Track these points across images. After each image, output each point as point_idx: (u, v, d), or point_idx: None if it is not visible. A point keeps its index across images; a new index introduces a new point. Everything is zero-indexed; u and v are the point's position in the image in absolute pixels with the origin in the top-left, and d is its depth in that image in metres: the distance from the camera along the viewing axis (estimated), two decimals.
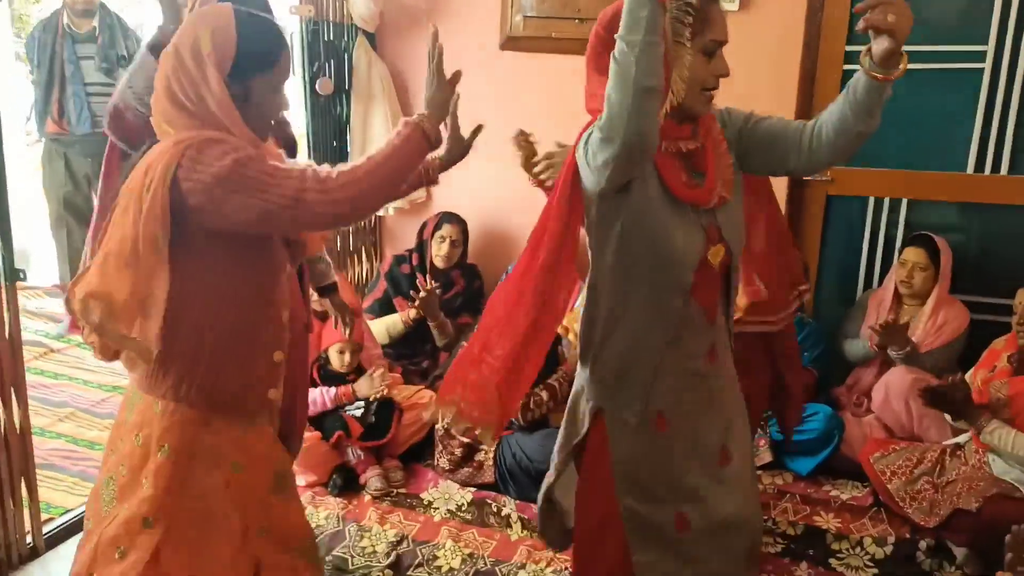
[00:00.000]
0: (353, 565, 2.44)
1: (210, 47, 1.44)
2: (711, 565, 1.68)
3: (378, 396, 2.94)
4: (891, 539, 2.59)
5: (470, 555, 2.48)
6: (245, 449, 1.56)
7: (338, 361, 2.97)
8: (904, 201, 3.35)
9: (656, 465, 1.65)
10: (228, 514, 1.52)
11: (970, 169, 3.22)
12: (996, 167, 3.19)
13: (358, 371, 3.01)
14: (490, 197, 3.80)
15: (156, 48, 1.81)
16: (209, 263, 1.49)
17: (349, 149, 3.79)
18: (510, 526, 2.63)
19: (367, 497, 2.80)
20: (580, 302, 1.78)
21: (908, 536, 2.60)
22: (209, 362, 1.51)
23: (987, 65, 3.12)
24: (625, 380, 1.62)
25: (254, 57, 1.48)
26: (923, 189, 3.30)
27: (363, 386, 2.95)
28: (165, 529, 1.49)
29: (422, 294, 3.27)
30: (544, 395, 2.85)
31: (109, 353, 1.50)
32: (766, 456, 3.01)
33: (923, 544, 2.55)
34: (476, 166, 3.72)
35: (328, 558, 2.46)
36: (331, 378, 2.99)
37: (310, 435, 2.87)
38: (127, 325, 1.41)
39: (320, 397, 2.92)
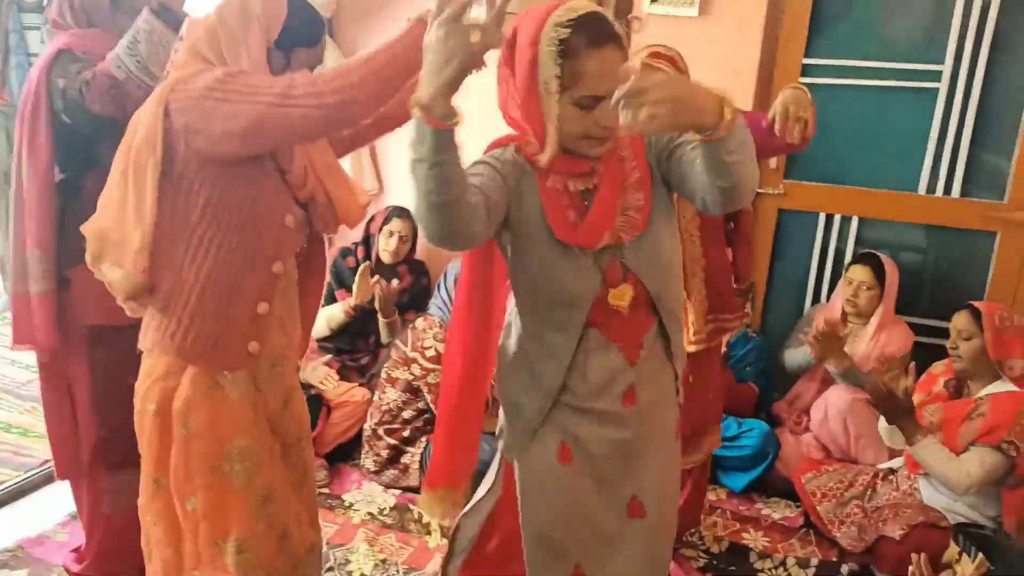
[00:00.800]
0: None
1: (260, 9, 1.45)
2: None
3: (307, 387, 2.86)
4: (814, 561, 2.56)
5: (383, 561, 2.42)
6: (203, 411, 1.52)
7: None
8: (855, 218, 3.32)
9: (561, 497, 1.54)
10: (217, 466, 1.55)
11: (922, 190, 3.20)
12: (948, 189, 3.16)
13: None
14: None
15: (165, 15, 1.72)
16: (197, 202, 1.46)
17: None
18: (429, 533, 2.56)
19: None
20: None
21: (834, 560, 2.57)
22: (189, 306, 1.48)
23: (943, 85, 3.09)
24: (521, 408, 1.54)
25: (303, 30, 1.51)
26: (874, 207, 3.27)
27: (310, 375, 2.88)
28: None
29: (381, 289, 3.20)
30: None
31: (121, 297, 1.52)
32: None
33: (845, 569, 2.52)
34: None
35: None
36: None
37: None
38: (116, 257, 1.45)
39: None
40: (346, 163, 3.67)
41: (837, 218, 3.34)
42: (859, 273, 3.08)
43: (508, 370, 1.56)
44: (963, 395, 2.60)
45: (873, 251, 3.12)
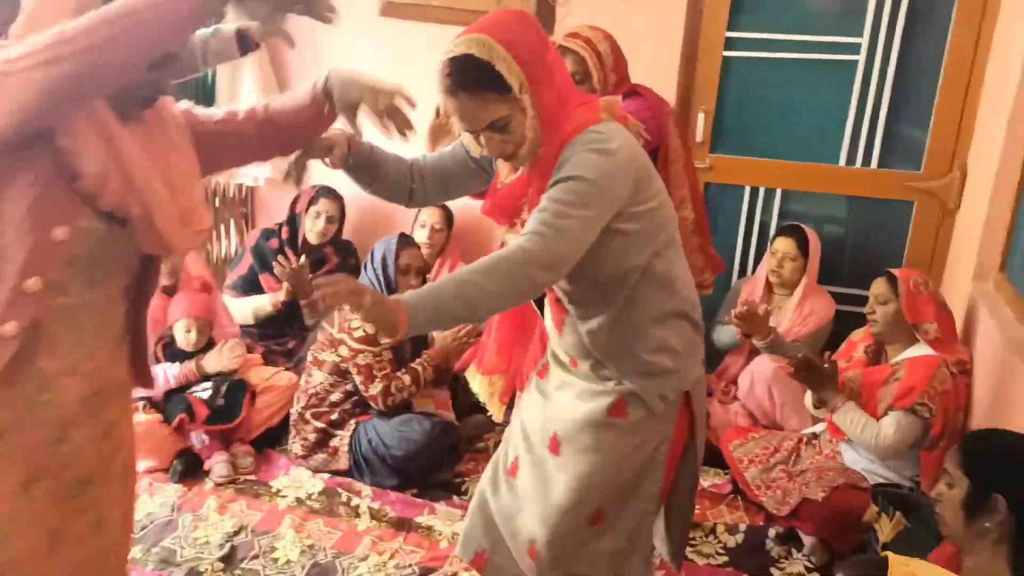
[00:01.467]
0: (181, 557, 2.29)
1: None
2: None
3: (228, 373, 2.78)
4: (743, 526, 2.60)
5: (311, 546, 2.37)
6: None
7: (183, 340, 2.79)
8: (779, 191, 3.37)
9: (526, 404, 1.83)
10: None
11: (842, 161, 3.26)
12: (867, 160, 3.23)
13: (209, 348, 2.84)
14: None
15: None
16: None
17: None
18: (359, 516, 2.52)
19: (209, 485, 2.64)
20: None
21: (761, 524, 2.61)
22: None
23: (861, 58, 3.15)
24: None
25: None
26: (797, 179, 3.33)
27: (211, 361, 2.78)
28: None
29: (289, 269, 3.11)
30: (407, 379, 2.74)
31: None
32: None
33: (772, 532, 2.57)
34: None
35: (155, 550, 2.30)
36: (179, 357, 2.80)
37: (150, 418, 2.69)
38: None
39: (162, 376, 2.74)
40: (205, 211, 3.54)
41: (762, 191, 3.38)
42: (783, 245, 3.13)
43: None
44: (881, 360, 2.66)
45: (796, 223, 3.17)
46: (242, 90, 3.52)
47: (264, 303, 3.26)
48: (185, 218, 1.35)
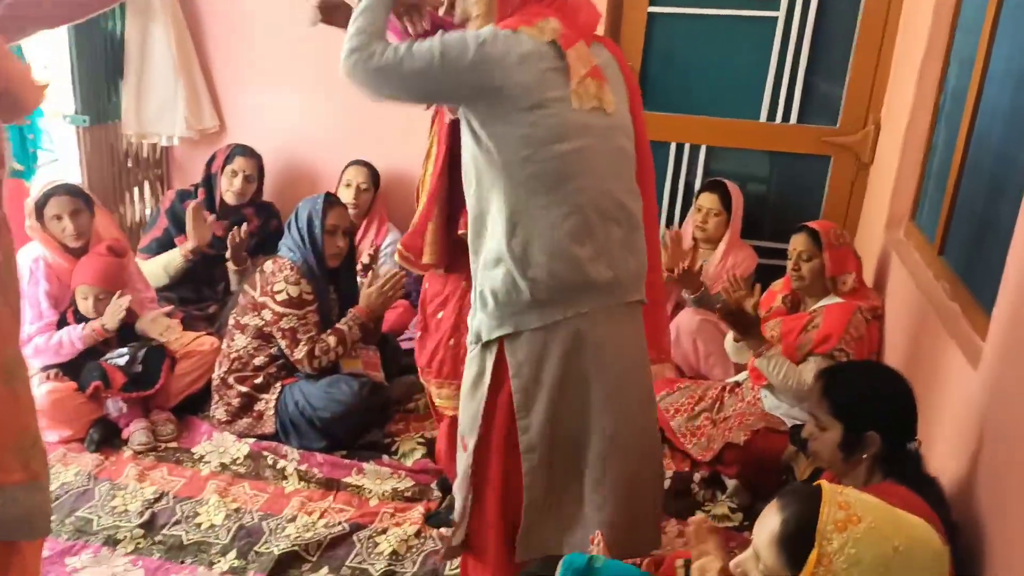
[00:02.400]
0: (98, 526, 2.21)
1: None
2: None
3: (162, 339, 2.69)
4: (669, 473, 2.65)
5: (236, 510, 2.32)
6: None
7: (83, 307, 2.67)
8: (703, 148, 3.41)
9: None
10: None
11: (763, 117, 3.32)
12: (787, 116, 3.29)
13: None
14: (289, 129, 3.55)
15: None
16: None
17: (125, 73, 3.41)
18: (286, 478, 2.48)
19: (128, 453, 2.56)
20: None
21: (687, 470, 2.68)
22: None
23: (781, 15, 3.19)
24: None
25: None
26: (722, 136, 3.37)
27: (149, 326, 2.70)
28: None
29: (238, 238, 3.03)
30: (332, 340, 2.69)
31: None
32: None
33: (697, 476, 2.63)
34: (275, 95, 3.51)
35: (69, 519, 2.22)
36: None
37: (63, 385, 2.59)
38: None
39: (67, 338, 2.61)
40: (181, 99, 3.44)
41: (687, 148, 3.42)
42: (707, 200, 3.18)
43: None
44: (800, 309, 2.74)
45: (719, 179, 3.22)
46: (152, 49, 3.37)
47: (174, 257, 3.16)
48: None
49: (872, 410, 1.61)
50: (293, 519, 2.28)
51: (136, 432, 2.58)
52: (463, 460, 1.76)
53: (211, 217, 3.16)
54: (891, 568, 1.03)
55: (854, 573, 1.03)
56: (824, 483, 1.14)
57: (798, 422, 2.56)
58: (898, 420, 1.62)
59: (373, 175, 3.41)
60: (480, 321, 1.65)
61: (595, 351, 1.66)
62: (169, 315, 2.95)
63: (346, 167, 3.40)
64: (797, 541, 1.07)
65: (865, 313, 2.57)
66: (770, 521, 1.13)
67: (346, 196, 3.28)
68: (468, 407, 1.72)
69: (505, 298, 1.60)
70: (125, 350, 2.66)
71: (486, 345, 1.65)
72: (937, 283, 2.26)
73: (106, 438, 2.59)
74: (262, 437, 2.65)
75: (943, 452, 1.79)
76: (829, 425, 1.63)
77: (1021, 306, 1.54)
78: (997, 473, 1.53)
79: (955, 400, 1.80)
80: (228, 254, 3.08)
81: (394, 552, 2.16)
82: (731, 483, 2.59)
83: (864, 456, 1.58)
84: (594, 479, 1.72)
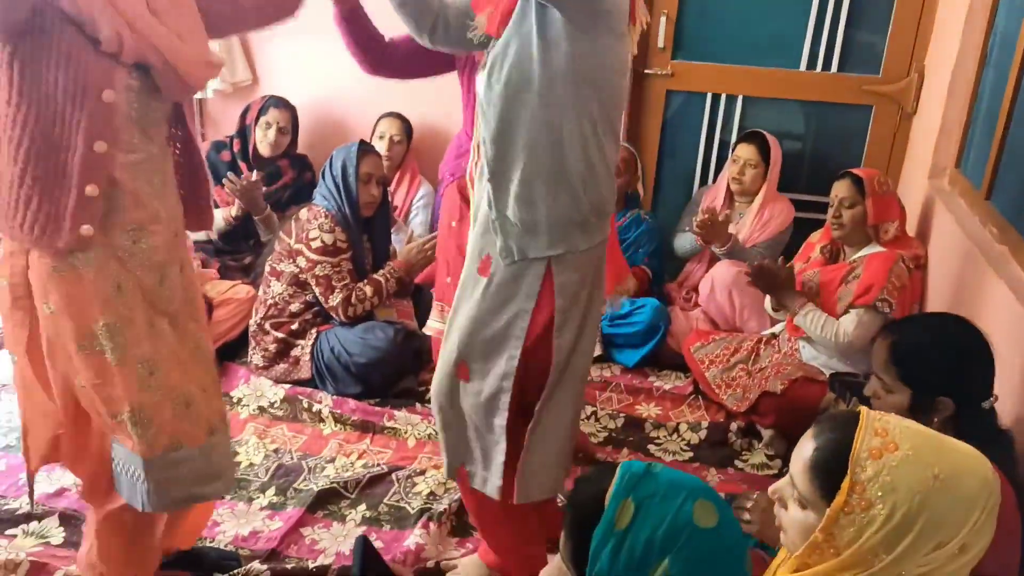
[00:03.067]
0: None
1: None
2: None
3: None
4: (705, 424, 2.65)
5: (275, 450, 2.35)
6: (58, 290, 1.46)
7: None
8: (740, 98, 3.35)
9: None
10: (39, 359, 1.52)
11: (803, 66, 3.24)
12: (827, 65, 3.22)
13: None
14: (322, 81, 3.53)
15: None
16: (6, 80, 1.39)
17: None
18: (322, 421, 2.50)
19: None
20: None
21: (722, 420, 2.67)
22: (14, 189, 1.42)
23: None
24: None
25: None
26: (758, 86, 3.31)
27: None
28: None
29: (239, 184, 3.02)
30: (368, 290, 2.70)
31: None
32: (596, 350, 3.01)
33: (734, 426, 2.62)
34: (308, 46, 3.49)
35: None
36: None
37: None
38: None
39: None
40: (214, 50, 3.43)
41: (723, 98, 3.36)
42: (745, 151, 3.12)
43: None
44: (839, 260, 2.70)
45: (757, 130, 3.16)
46: None
47: (216, 218, 3.17)
48: (198, 60, 1.53)
49: (945, 376, 1.52)
50: (332, 460, 2.31)
51: None
52: (488, 385, 1.68)
53: (254, 176, 3.14)
54: (930, 497, 0.98)
55: (889, 502, 0.98)
56: (864, 409, 1.10)
57: (837, 370, 2.54)
58: (973, 383, 1.54)
59: (406, 127, 3.39)
60: (520, 240, 1.62)
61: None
62: (205, 265, 2.98)
63: (379, 119, 3.38)
64: (831, 468, 1.03)
65: (908, 262, 2.52)
66: (805, 447, 1.09)
67: (379, 148, 3.27)
68: (491, 326, 1.66)
69: (561, 218, 1.60)
70: None
71: (529, 264, 1.63)
72: (984, 228, 2.22)
73: None
74: (298, 383, 2.68)
75: (998, 393, 1.76)
76: (896, 389, 1.55)
77: None
78: None
79: (1007, 340, 1.77)
80: (235, 196, 3.06)
81: (431, 493, 2.18)
82: (767, 433, 2.58)
83: (935, 420, 1.50)
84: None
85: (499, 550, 1.88)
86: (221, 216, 3.16)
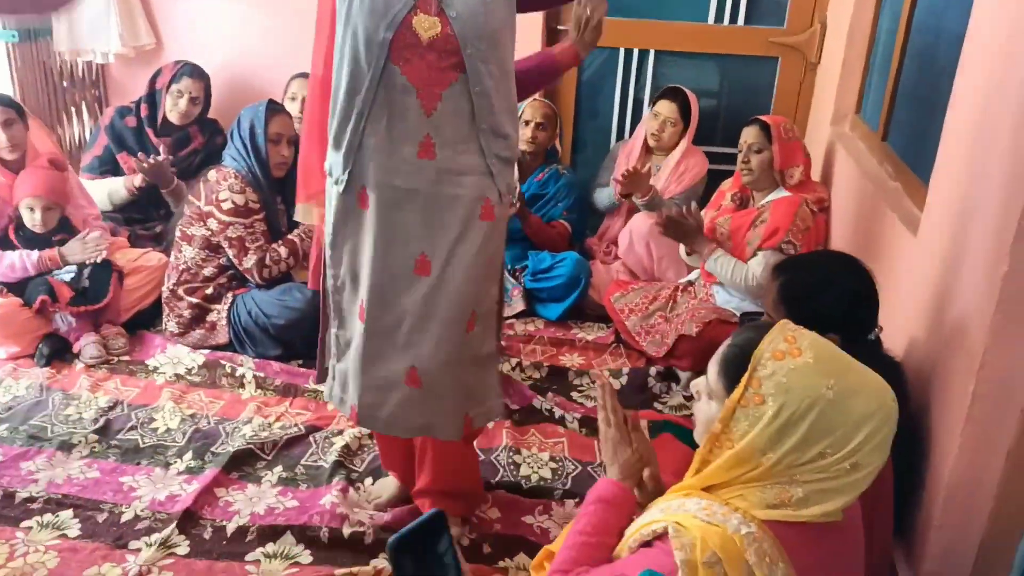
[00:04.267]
0: (52, 432, 2.19)
1: None
2: (375, 370, 1.65)
3: (92, 262, 2.62)
4: (626, 370, 2.71)
5: (192, 415, 2.31)
6: None
7: (29, 220, 2.60)
8: (652, 53, 3.39)
9: (354, 243, 1.63)
10: None
11: (711, 19, 3.30)
12: (734, 17, 3.28)
13: (67, 230, 2.66)
14: (229, 43, 3.44)
15: None
16: None
17: None
18: (243, 386, 2.47)
19: (80, 366, 2.52)
20: None
21: (642, 366, 2.73)
22: None
23: None
24: (338, 142, 1.58)
25: None
26: (668, 39, 3.36)
27: (74, 251, 2.61)
28: None
29: (146, 164, 2.93)
30: (283, 251, 2.66)
31: None
32: (519, 305, 3.04)
33: (653, 371, 2.69)
34: (213, 7, 3.39)
35: (23, 427, 2.20)
36: (34, 240, 2.62)
37: (7, 301, 2.53)
38: None
39: (20, 262, 2.55)
40: (114, 14, 3.30)
41: (636, 54, 3.40)
42: (665, 108, 3.15)
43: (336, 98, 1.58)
44: (749, 206, 2.78)
45: (677, 86, 3.20)
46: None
47: (118, 187, 3.07)
48: None
49: (831, 315, 1.58)
50: (249, 421, 2.28)
51: (87, 346, 2.54)
52: (487, 324, 1.68)
53: (163, 152, 3.04)
54: (819, 405, 1.02)
55: (779, 401, 1.03)
56: (785, 320, 1.14)
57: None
58: (856, 318, 1.62)
59: None
60: (510, 178, 1.64)
61: None
62: (114, 233, 2.89)
63: (291, 79, 3.31)
64: (738, 363, 1.09)
65: (812, 205, 2.61)
66: (722, 345, 1.16)
67: (291, 109, 3.20)
68: (492, 266, 1.65)
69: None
70: (72, 266, 2.60)
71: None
72: (881, 167, 2.31)
73: (56, 352, 2.54)
74: (216, 348, 2.64)
75: (891, 314, 1.85)
76: None
77: (952, 172, 1.59)
78: (936, 325, 1.60)
79: (902, 270, 1.86)
80: (144, 175, 2.97)
81: (346, 446, 2.18)
82: (684, 375, 2.65)
83: None
84: None
85: (458, 488, 1.86)
86: (123, 185, 3.06)
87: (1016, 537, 1.38)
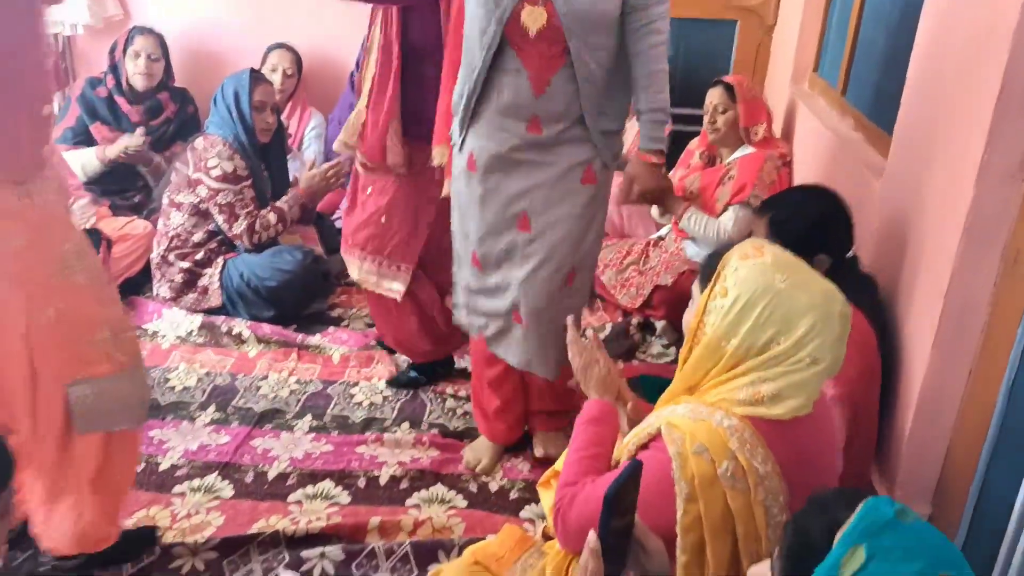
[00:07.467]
0: None
1: None
2: (489, 305, 1.91)
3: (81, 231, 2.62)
4: (608, 324, 2.85)
5: (207, 373, 2.38)
6: (24, 221, 1.41)
7: None
8: None
9: (466, 199, 1.86)
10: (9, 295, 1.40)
11: None
12: None
13: None
14: (199, 13, 3.43)
15: None
16: None
17: None
18: (245, 343, 2.54)
19: None
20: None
21: (620, 320, 2.88)
22: None
23: None
24: (456, 110, 1.81)
25: None
26: None
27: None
28: None
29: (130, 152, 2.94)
30: (272, 217, 2.71)
31: None
32: None
33: (634, 321, 2.84)
34: None
35: None
36: None
37: None
38: None
39: None
40: None
41: None
42: None
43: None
44: (716, 164, 2.93)
45: None
46: None
47: (91, 159, 3.05)
48: None
49: (818, 236, 1.75)
50: (265, 376, 2.37)
51: None
52: (585, 281, 1.92)
53: (140, 132, 3.05)
54: (767, 294, 1.13)
55: (736, 291, 1.14)
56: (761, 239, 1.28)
57: None
58: (839, 238, 1.80)
59: (297, 60, 3.36)
60: (618, 148, 1.86)
61: None
62: (96, 203, 2.89)
63: (268, 51, 3.33)
64: (715, 267, 1.21)
65: (775, 160, 2.78)
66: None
67: (273, 81, 3.22)
68: (593, 230, 1.87)
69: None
70: None
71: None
72: (842, 120, 2.48)
73: None
74: (209, 311, 2.69)
75: (860, 251, 2.03)
76: None
77: (916, 116, 1.75)
78: (904, 256, 1.77)
79: (866, 209, 2.02)
80: (124, 153, 2.99)
81: (372, 404, 2.29)
82: (660, 324, 2.81)
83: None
84: None
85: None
86: (96, 157, 3.04)
87: (978, 448, 1.56)
